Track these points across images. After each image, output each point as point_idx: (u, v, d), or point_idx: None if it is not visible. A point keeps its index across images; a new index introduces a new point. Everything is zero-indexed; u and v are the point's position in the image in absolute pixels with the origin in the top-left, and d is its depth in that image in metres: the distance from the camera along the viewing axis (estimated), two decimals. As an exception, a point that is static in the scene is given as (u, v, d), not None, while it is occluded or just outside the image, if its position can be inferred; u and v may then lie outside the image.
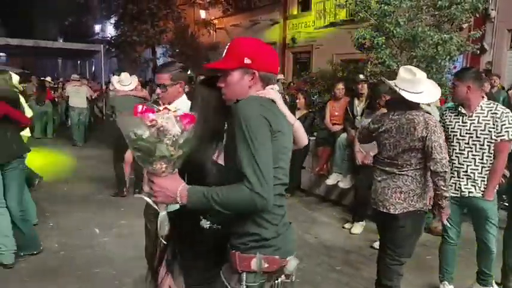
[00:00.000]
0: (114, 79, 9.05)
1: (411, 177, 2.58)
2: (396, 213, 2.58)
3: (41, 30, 37.67)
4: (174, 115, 1.41)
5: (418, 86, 2.61)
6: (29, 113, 4.58)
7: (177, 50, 17.00)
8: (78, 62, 26.87)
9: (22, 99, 4.25)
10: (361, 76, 5.28)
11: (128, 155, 5.67)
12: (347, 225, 4.85)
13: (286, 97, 7.68)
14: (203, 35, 17.74)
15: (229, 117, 1.48)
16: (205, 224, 1.63)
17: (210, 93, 1.64)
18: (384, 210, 2.62)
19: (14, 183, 3.53)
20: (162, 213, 1.51)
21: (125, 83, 6.04)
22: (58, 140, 10.74)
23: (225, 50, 1.57)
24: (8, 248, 3.50)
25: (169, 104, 2.44)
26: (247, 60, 1.49)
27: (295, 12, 15.11)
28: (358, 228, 4.71)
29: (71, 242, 4.20)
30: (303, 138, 1.79)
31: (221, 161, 1.61)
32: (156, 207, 1.50)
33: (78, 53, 18.72)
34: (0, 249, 3.49)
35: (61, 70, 30.27)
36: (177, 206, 1.50)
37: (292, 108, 6.97)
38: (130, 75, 6.38)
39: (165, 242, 1.67)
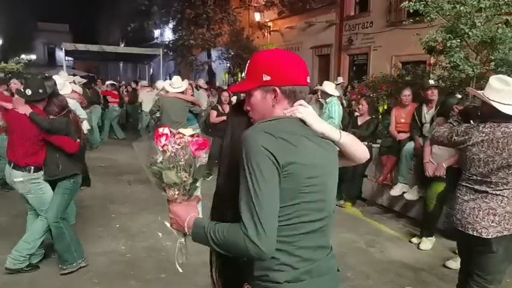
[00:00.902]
0: (160, 83, 9.29)
1: (507, 198, 2.33)
2: (489, 237, 2.34)
3: (104, 35, 39.99)
4: (186, 141, 1.37)
5: (509, 97, 2.37)
6: (80, 113, 4.71)
7: (232, 53, 17.21)
8: (137, 65, 28.19)
9: (80, 110, 4.33)
10: (431, 81, 4.96)
11: None
12: (415, 240, 4.57)
13: (344, 101, 7.47)
14: (258, 37, 17.81)
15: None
16: None
17: (239, 118, 1.51)
18: (475, 234, 2.38)
19: (56, 197, 3.58)
20: (180, 240, 1.48)
21: (175, 85, 6.11)
22: (123, 142, 11.13)
23: (246, 69, 1.43)
24: (18, 252, 3.53)
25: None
26: (265, 77, 1.33)
27: (352, 13, 14.72)
28: (427, 244, 4.42)
29: (137, 245, 4.31)
30: (360, 153, 1.50)
31: None
32: (175, 233, 1.47)
33: (139, 57, 19.63)
34: (13, 250, 3.55)
35: (122, 73, 31.87)
36: None
37: (350, 114, 6.76)
38: (185, 78, 6.49)
39: (180, 270, 1.61)
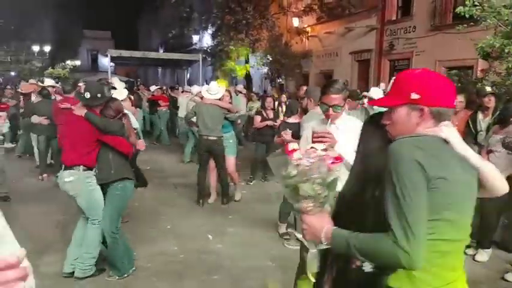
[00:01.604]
0: (195, 88, 9.41)
1: None
2: None
3: (143, 41, 41.28)
4: (320, 155, 1.42)
5: None
6: (135, 123, 4.88)
7: (270, 59, 17.31)
8: (176, 70, 28.90)
9: (130, 113, 4.47)
10: (488, 88, 4.80)
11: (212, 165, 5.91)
12: (470, 251, 4.43)
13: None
14: (297, 43, 17.83)
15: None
16: (367, 267, 1.47)
17: (374, 131, 1.54)
18: None
19: (109, 206, 3.57)
20: (312, 251, 1.50)
21: (212, 91, 6.06)
22: (167, 147, 11.36)
23: (390, 84, 1.48)
24: (83, 263, 3.55)
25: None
26: (414, 96, 1.35)
27: (394, 18, 14.46)
28: (484, 255, 4.27)
29: (188, 246, 4.42)
30: (499, 185, 1.45)
31: None
32: (306, 244, 1.51)
33: (178, 63, 20.15)
34: (76, 260, 3.57)
35: (160, 78, 32.75)
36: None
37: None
38: (214, 81, 6.50)
39: (313, 280, 1.61)
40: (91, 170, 3.50)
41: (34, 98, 8.12)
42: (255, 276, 3.76)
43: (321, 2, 16.27)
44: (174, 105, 12.50)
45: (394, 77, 1.46)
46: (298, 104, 7.19)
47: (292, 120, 4.53)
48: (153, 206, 5.82)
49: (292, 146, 1.46)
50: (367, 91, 7.84)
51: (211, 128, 5.76)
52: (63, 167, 3.48)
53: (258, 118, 7.19)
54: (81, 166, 3.43)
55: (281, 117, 7.64)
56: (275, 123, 6.96)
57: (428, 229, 1.24)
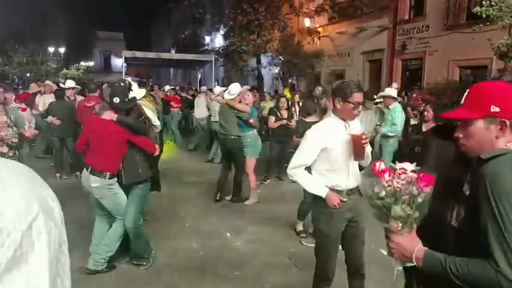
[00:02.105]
0: (217, 88, 9.51)
1: None
2: None
3: (155, 42, 41.65)
4: (412, 176, 1.41)
5: None
6: (155, 120, 4.99)
7: (282, 59, 17.39)
8: (187, 71, 29.15)
9: (150, 113, 4.58)
10: None
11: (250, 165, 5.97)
12: None
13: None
14: (309, 43, 17.89)
15: (472, 173, 1.33)
16: None
17: (445, 144, 1.52)
18: None
19: (133, 203, 3.69)
20: (398, 268, 1.50)
21: (230, 92, 6.17)
22: (182, 146, 11.47)
23: (465, 96, 1.43)
24: (99, 255, 3.67)
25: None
26: (494, 109, 1.33)
27: (406, 17, 14.43)
28: None
29: (208, 244, 4.53)
30: None
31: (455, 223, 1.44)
32: (393, 262, 1.50)
33: (191, 63, 20.38)
34: (94, 254, 3.69)
35: (172, 79, 33.03)
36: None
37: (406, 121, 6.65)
38: (235, 83, 6.54)
39: None
40: (115, 177, 3.61)
41: (38, 98, 8.30)
42: (274, 273, 3.86)
43: (333, 2, 16.31)
44: (186, 105, 12.68)
45: (468, 90, 1.42)
46: (313, 104, 7.28)
47: (311, 119, 4.60)
48: (170, 204, 5.95)
49: (380, 165, 1.46)
50: (380, 91, 7.91)
51: (225, 127, 6.01)
52: (89, 170, 3.55)
53: (272, 118, 7.27)
54: (108, 174, 3.53)
55: (295, 117, 7.73)
56: (289, 123, 7.04)
57: None
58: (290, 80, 18.68)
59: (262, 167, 7.56)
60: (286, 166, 8.23)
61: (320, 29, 18.36)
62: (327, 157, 2.66)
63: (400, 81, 14.19)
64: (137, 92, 5.03)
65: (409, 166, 1.43)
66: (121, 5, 41.83)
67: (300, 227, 4.82)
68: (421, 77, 13.53)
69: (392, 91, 6.07)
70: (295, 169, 2.72)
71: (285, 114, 7.31)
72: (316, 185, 2.69)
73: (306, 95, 12.80)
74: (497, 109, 1.33)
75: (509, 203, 1.20)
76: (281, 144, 7.29)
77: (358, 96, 2.58)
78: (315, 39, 18.25)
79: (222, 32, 19.70)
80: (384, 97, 6.22)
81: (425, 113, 5.64)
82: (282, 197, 6.53)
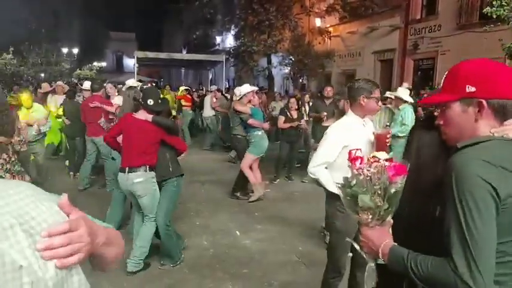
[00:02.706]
0: (239, 89, 9.59)
1: None
2: None
3: (167, 42, 41.97)
4: (383, 165, 1.31)
5: None
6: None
7: (292, 59, 17.40)
8: (199, 71, 29.34)
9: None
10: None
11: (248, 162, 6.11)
12: None
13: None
14: (320, 43, 17.87)
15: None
16: None
17: (429, 135, 1.41)
18: None
19: (164, 200, 3.78)
20: (370, 265, 1.41)
21: (236, 93, 6.41)
22: (193, 145, 11.58)
23: (443, 79, 1.31)
24: (137, 257, 3.74)
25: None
26: (469, 88, 1.20)
27: (418, 17, 14.33)
28: None
29: (217, 242, 4.60)
30: None
31: None
32: (365, 257, 1.42)
33: (202, 63, 20.52)
34: (130, 256, 3.75)
35: (183, 79, 33.27)
36: None
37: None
38: (245, 83, 6.71)
39: None
40: (153, 169, 3.68)
41: (49, 98, 8.48)
42: (283, 271, 3.91)
43: (344, 2, 16.26)
44: (196, 106, 12.84)
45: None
46: (323, 104, 7.31)
47: (329, 123, 4.62)
48: (182, 203, 6.01)
49: (354, 152, 1.38)
50: (391, 91, 7.88)
51: (231, 127, 6.46)
52: (127, 170, 3.59)
53: (281, 118, 7.32)
54: (147, 166, 3.62)
55: (305, 117, 7.77)
56: (299, 124, 7.09)
57: (502, 252, 1.13)
58: (301, 80, 18.69)
59: (272, 167, 7.63)
60: (297, 166, 8.33)
61: (331, 29, 18.33)
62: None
63: (412, 81, 14.10)
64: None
65: (383, 155, 1.34)
66: (133, 6, 42.21)
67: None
68: (433, 77, 13.41)
69: (404, 93, 6.05)
70: (317, 167, 2.73)
71: (294, 114, 7.36)
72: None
73: (316, 95, 12.83)
74: (472, 89, 1.20)
75: (474, 202, 1.08)
76: (291, 144, 7.34)
77: (378, 92, 2.75)
78: (326, 39, 18.23)
79: (232, 32, 19.79)
80: (395, 97, 6.21)
81: (435, 113, 5.63)
82: (291, 197, 6.58)
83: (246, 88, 6.34)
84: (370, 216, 1.34)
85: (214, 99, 11.10)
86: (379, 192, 1.30)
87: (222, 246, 4.48)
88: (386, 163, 1.31)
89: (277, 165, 7.49)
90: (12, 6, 20.14)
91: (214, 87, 12.48)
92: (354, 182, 1.34)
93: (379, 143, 2.64)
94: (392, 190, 1.29)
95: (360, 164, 1.34)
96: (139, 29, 42.66)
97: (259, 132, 6.13)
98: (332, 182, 2.69)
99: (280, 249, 4.44)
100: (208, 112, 11.27)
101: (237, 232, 4.92)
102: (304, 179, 7.39)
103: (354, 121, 2.79)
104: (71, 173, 7.45)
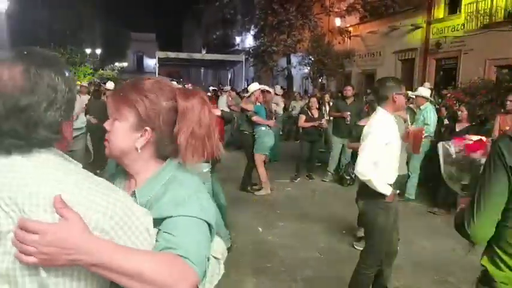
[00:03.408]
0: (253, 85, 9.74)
1: None
2: None
3: (186, 43, 42.45)
4: (465, 143, 1.60)
5: None
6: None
7: (312, 59, 17.41)
8: (218, 71, 29.58)
9: None
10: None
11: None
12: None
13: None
14: (340, 43, 17.81)
15: None
16: None
17: None
18: None
19: (217, 186, 4.25)
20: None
21: (248, 92, 6.71)
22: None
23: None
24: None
25: None
26: None
27: (441, 16, 14.14)
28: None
29: (240, 237, 4.69)
30: None
31: None
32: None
33: (222, 63, 20.71)
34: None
35: (203, 78, 33.59)
36: None
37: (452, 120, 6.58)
38: (264, 83, 6.99)
39: None
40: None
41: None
42: (306, 266, 3.98)
43: (364, 1, 16.19)
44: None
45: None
46: (343, 103, 7.35)
47: (364, 122, 4.66)
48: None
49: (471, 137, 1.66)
50: (412, 91, 7.84)
51: (240, 124, 6.85)
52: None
53: (302, 117, 7.38)
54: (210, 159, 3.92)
55: (326, 116, 7.81)
56: (321, 123, 7.14)
57: (507, 218, 1.36)
58: (320, 80, 18.66)
59: (293, 166, 7.69)
60: (317, 165, 8.37)
61: (351, 29, 18.24)
62: (387, 152, 2.77)
63: (434, 81, 13.92)
64: None
65: (475, 137, 1.61)
66: (153, 7, 42.91)
67: (360, 233, 4.53)
68: (456, 77, 13.22)
69: (425, 91, 6.04)
70: (366, 167, 2.73)
71: (315, 113, 7.41)
72: (384, 183, 2.77)
73: (335, 95, 12.82)
74: None
75: (490, 160, 1.37)
76: (311, 143, 7.39)
77: (404, 88, 2.89)
78: (346, 38, 18.16)
79: (252, 32, 19.91)
80: (416, 97, 6.19)
81: (459, 112, 5.61)
82: (312, 195, 6.63)
83: (254, 86, 6.63)
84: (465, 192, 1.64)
85: (230, 98, 11.25)
86: (466, 168, 1.59)
87: (245, 241, 4.57)
88: (470, 142, 1.61)
89: (298, 164, 7.54)
90: (38, 9, 20.74)
91: (228, 88, 12.64)
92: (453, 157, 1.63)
93: (417, 138, 2.74)
94: (474, 165, 1.57)
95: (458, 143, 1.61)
96: (160, 30, 43.34)
97: (263, 128, 6.40)
98: (382, 182, 2.74)
99: (303, 245, 4.51)
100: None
101: (260, 228, 5.01)
102: (325, 178, 7.43)
103: (389, 118, 2.85)
104: (98, 171, 7.65)
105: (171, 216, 1.01)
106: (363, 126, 3.02)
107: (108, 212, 0.88)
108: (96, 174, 1.01)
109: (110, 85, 7.37)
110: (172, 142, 1.13)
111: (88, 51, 26.24)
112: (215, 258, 1.21)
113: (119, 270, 0.84)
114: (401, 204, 5.60)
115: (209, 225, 1.07)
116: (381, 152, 2.73)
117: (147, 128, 1.11)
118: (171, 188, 1.08)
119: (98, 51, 29.49)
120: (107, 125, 1.16)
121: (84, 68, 21.53)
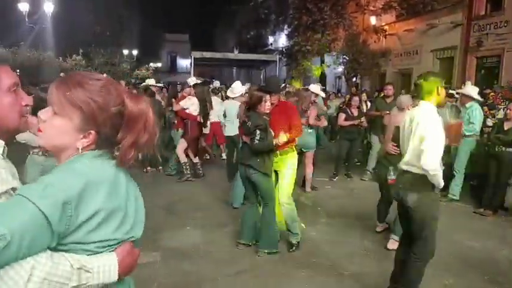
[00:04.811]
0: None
1: None
2: None
3: (218, 43, 42.97)
4: None
5: None
6: None
7: (346, 58, 17.28)
8: (250, 70, 29.79)
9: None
10: None
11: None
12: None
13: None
14: (375, 41, 17.60)
15: None
16: None
17: None
18: None
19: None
20: None
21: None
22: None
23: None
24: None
25: None
26: None
27: (482, 13, 13.71)
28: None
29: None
30: None
31: None
32: None
33: (255, 63, 20.89)
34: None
35: (235, 78, 33.91)
36: None
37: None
38: (297, 83, 7.06)
39: None
40: None
41: None
42: (351, 262, 4.03)
43: (401, -1, 15.93)
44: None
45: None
46: (383, 102, 7.31)
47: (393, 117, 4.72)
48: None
49: None
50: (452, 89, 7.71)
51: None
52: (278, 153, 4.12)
53: (342, 116, 7.39)
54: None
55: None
56: (361, 121, 7.14)
57: None
58: (354, 79, 18.49)
59: (331, 164, 7.72)
60: (356, 163, 8.38)
61: (386, 27, 17.96)
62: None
63: (474, 79, 13.52)
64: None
65: None
66: (187, 8, 43.73)
67: (380, 229, 4.85)
68: (498, 75, 12.80)
69: (473, 90, 5.92)
70: (436, 161, 2.75)
71: (355, 112, 7.39)
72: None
73: (371, 94, 12.69)
74: None
75: None
76: (351, 141, 7.39)
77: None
78: (381, 37, 17.90)
79: (286, 31, 19.97)
80: (461, 94, 6.09)
81: (508, 111, 5.49)
82: (351, 194, 6.65)
83: (314, 88, 6.85)
84: None
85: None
86: None
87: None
88: None
89: (337, 163, 7.56)
90: (80, 12, 21.63)
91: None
92: None
93: (459, 131, 2.79)
94: None
95: None
96: (192, 31, 44.05)
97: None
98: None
99: (347, 242, 4.56)
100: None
101: (303, 225, 5.08)
102: (364, 177, 7.42)
103: (435, 111, 2.92)
104: (148, 168, 7.90)
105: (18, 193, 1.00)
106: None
107: None
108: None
109: (152, 81, 7.72)
110: (113, 143, 1.14)
111: (125, 52, 27.11)
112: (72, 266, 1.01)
113: None
114: (444, 205, 5.59)
115: (44, 215, 0.96)
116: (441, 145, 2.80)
117: (92, 132, 1.10)
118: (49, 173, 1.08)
119: (135, 52, 30.40)
120: (42, 113, 1.12)
121: (123, 67, 22.28)
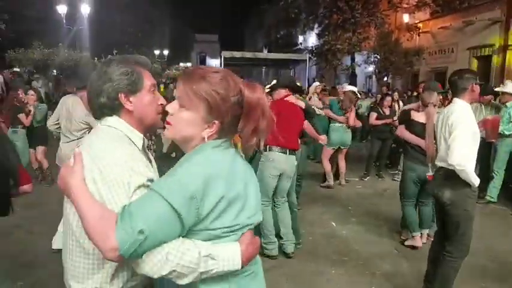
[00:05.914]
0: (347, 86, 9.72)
1: None
2: None
3: (247, 42, 43.17)
4: None
5: None
6: None
7: (378, 57, 16.97)
8: (279, 70, 29.75)
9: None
10: None
11: None
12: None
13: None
14: (408, 40, 17.20)
15: None
16: None
17: None
18: None
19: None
20: None
21: None
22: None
23: None
24: (289, 239, 4.01)
25: None
26: None
27: (523, 8, 13.14)
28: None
29: (315, 231, 4.78)
30: None
31: None
32: None
33: (285, 62, 20.82)
34: (282, 240, 4.03)
35: (264, 77, 33.96)
36: None
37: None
38: (327, 82, 7.04)
39: None
40: None
41: None
42: (383, 262, 3.98)
43: (436, -4, 15.49)
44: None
45: None
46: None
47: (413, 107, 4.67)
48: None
49: None
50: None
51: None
52: (288, 151, 3.86)
53: (373, 115, 7.28)
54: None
55: (397, 114, 7.63)
56: (394, 120, 7.01)
57: None
58: (386, 79, 18.14)
59: (361, 164, 7.62)
60: (387, 163, 8.23)
61: (420, 25, 17.52)
62: (473, 141, 2.80)
63: (514, 78, 12.96)
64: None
65: None
66: (217, 9, 44.20)
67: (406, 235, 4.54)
68: (541, 74, 12.23)
69: None
70: (463, 157, 2.71)
71: (387, 111, 7.28)
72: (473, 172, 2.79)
73: (402, 94, 12.40)
74: None
75: None
76: (382, 141, 7.28)
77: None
78: (414, 35, 17.47)
79: (316, 31, 19.82)
80: (502, 93, 5.87)
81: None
82: (383, 194, 6.55)
83: (348, 87, 6.94)
84: None
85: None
86: None
87: (319, 235, 4.66)
88: None
89: (368, 163, 7.46)
90: (115, 14, 22.29)
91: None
92: None
93: (493, 128, 2.72)
94: None
95: None
96: (222, 31, 44.50)
97: (336, 124, 6.64)
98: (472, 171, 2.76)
99: (378, 241, 4.51)
100: None
101: (333, 223, 5.07)
102: (396, 177, 7.27)
103: (469, 108, 2.88)
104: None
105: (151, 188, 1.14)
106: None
107: (104, 170, 1.17)
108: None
109: None
110: (233, 132, 1.23)
111: (157, 52, 27.71)
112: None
113: (77, 210, 1.13)
114: (481, 207, 5.42)
115: (176, 211, 1.07)
116: (470, 141, 2.76)
117: (216, 122, 1.19)
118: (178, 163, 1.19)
119: (166, 52, 31.01)
120: (170, 108, 1.22)
121: (154, 68, 22.77)
